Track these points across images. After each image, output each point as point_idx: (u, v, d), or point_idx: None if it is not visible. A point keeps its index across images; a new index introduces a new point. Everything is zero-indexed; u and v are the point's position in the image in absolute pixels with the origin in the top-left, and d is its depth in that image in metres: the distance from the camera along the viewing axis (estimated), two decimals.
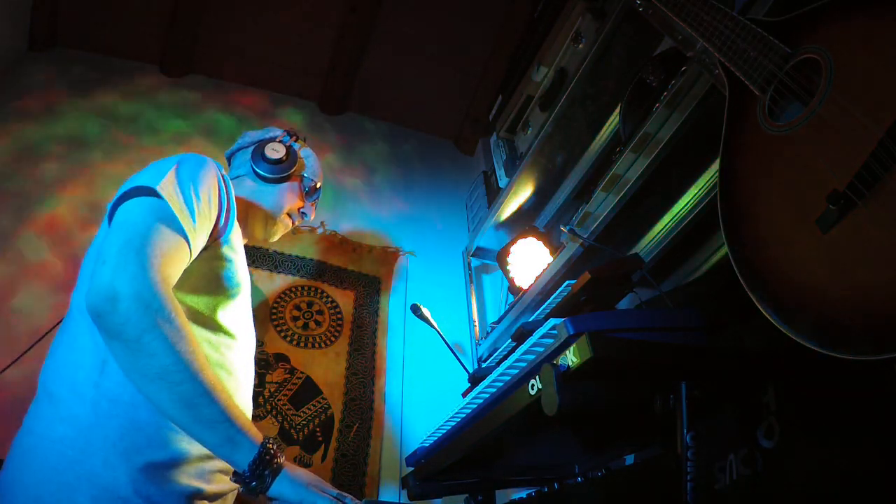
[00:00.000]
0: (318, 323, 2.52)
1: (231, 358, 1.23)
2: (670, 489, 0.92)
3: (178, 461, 1.07)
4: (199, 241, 1.15)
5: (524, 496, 1.31)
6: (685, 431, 0.89)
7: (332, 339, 2.51)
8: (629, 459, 1.45)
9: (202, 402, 0.99)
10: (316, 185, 1.59)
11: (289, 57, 3.14)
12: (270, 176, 1.49)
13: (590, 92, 2.02)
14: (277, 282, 2.56)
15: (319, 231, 2.77)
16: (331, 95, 3.28)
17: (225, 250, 1.23)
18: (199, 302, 1.18)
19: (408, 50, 3.14)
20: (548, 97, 2.21)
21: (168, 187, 1.11)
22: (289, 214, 1.54)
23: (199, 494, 1.10)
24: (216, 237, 1.22)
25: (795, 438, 0.89)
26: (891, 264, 0.74)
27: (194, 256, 1.15)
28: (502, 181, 2.56)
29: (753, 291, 0.90)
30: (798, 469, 0.87)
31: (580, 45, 2.06)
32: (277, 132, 1.59)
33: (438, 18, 3.01)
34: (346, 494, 1.09)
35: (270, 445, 1.04)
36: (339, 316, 2.58)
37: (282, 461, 1.04)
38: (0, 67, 2.65)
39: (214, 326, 1.20)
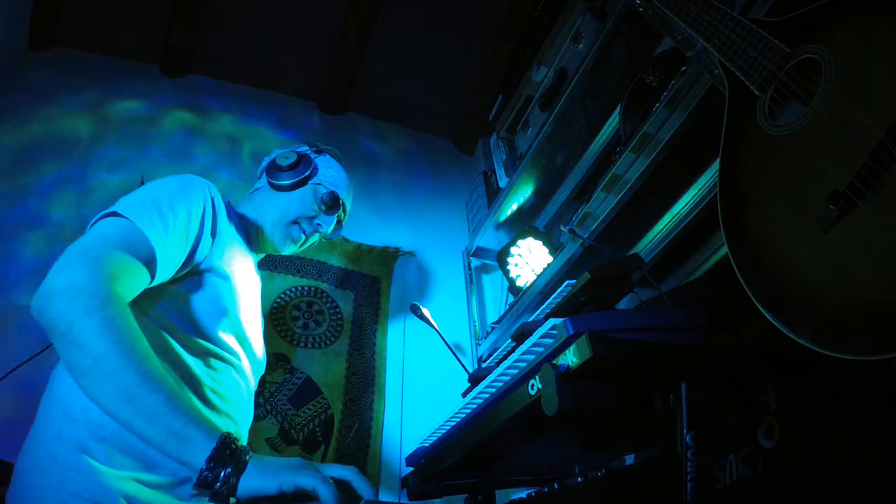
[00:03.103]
0: (318, 323, 2.52)
1: (224, 381, 1.22)
2: (670, 489, 0.92)
3: (165, 482, 1.07)
4: (171, 258, 1.14)
5: (524, 496, 1.31)
6: (685, 431, 0.89)
7: (332, 339, 2.51)
8: (629, 459, 1.45)
9: (140, 394, 0.92)
10: (333, 194, 1.53)
11: (289, 57, 3.14)
12: (279, 183, 1.48)
13: (590, 92, 2.02)
14: (277, 282, 2.56)
15: None
16: (331, 95, 3.28)
17: (210, 272, 1.22)
18: (187, 327, 1.17)
19: (408, 50, 3.14)
20: (548, 97, 2.21)
21: (137, 207, 1.12)
22: (298, 224, 1.49)
23: None
24: (198, 259, 1.20)
25: (795, 438, 0.89)
26: (891, 264, 0.74)
27: (164, 274, 1.14)
28: (502, 181, 2.56)
29: (753, 291, 0.89)
30: (798, 469, 0.87)
31: (580, 45, 2.06)
32: (303, 147, 1.59)
33: (438, 18, 3.00)
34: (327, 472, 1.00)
35: (230, 439, 0.93)
36: (339, 316, 2.58)
37: (247, 458, 0.94)
38: (0, 67, 2.65)
39: (204, 351, 1.19)
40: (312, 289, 2.61)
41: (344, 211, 1.59)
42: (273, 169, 1.50)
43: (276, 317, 2.47)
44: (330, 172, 1.56)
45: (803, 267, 0.85)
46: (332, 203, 1.53)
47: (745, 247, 0.95)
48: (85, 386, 0.96)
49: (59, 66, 2.86)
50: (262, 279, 2.53)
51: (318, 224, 1.52)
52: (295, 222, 1.49)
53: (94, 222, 1.16)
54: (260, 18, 2.98)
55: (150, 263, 1.09)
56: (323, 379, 2.38)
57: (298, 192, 1.50)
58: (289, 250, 1.52)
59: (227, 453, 0.92)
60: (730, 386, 1.00)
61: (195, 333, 1.18)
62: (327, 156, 1.61)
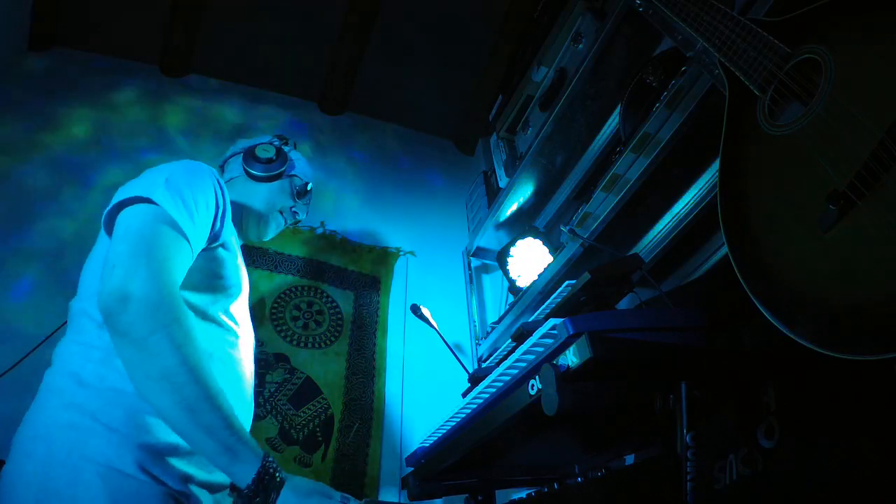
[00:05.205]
0: (318, 323, 2.52)
1: (232, 353, 1.25)
2: (670, 489, 0.92)
3: (181, 447, 1.08)
4: (199, 242, 1.18)
5: (524, 496, 1.31)
6: (685, 431, 0.89)
7: (332, 339, 2.51)
8: (629, 459, 1.45)
9: (203, 408, 1.00)
10: (306, 185, 1.64)
11: (289, 57, 3.14)
12: (261, 174, 1.55)
13: (590, 92, 2.02)
14: (277, 282, 2.56)
15: (319, 231, 2.77)
16: (331, 95, 3.29)
17: (222, 251, 1.26)
18: (199, 299, 1.20)
19: (408, 50, 3.14)
20: (548, 97, 2.21)
21: (165, 194, 1.14)
22: (281, 213, 1.58)
23: (202, 481, 1.11)
24: (213, 239, 1.24)
25: (795, 438, 0.89)
26: (890, 264, 0.74)
27: (194, 258, 1.18)
28: (502, 181, 2.56)
29: (753, 291, 0.89)
30: (798, 469, 0.87)
31: (580, 45, 2.06)
32: (267, 138, 1.66)
33: (438, 18, 3.01)
34: (349, 496, 1.10)
35: (271, 460, 1.04)
36: (339, 316, 2.58)
37: (283, 476, 1.04)
38: (0, 67, 2.65)
39: (215, 322, 1.22)
40: (312, 289, 2.61)
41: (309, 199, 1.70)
42: (252, 160, 1.57)
43: (276, 317, 2.47)
44: (302, 164, 1.66)
45: (803, 267, 0.85)
46: (307, 193, 1.65)
47: (745, 247, 0.95)
48: (147, 389, 1.01)
49: (58, 65, 2.86)
50: (262, 279, 2.55)
51: (295, 212, 1.62)
52: (279, 212, 1.58)
53: (124, 203, 1.15)
54: (260, 18, 2.98)
55: (191, 252, 1.15)
56: (323, 379, 2.38)
57: (277, 183, 1.58)
58: (270, 237, 1.61)
59: (270, 472, 1.02)
60: (730, 386, 1.00)
61: (207, 307, 1.21)
62: (294, 149, 1.69)
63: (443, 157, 3.46)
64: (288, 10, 2.95)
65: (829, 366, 0.78)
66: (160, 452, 1.05)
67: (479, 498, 1.53)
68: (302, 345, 2.44)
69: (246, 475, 1.01)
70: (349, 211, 2.95)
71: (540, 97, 2.29)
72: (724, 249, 0.99)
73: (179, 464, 1.08)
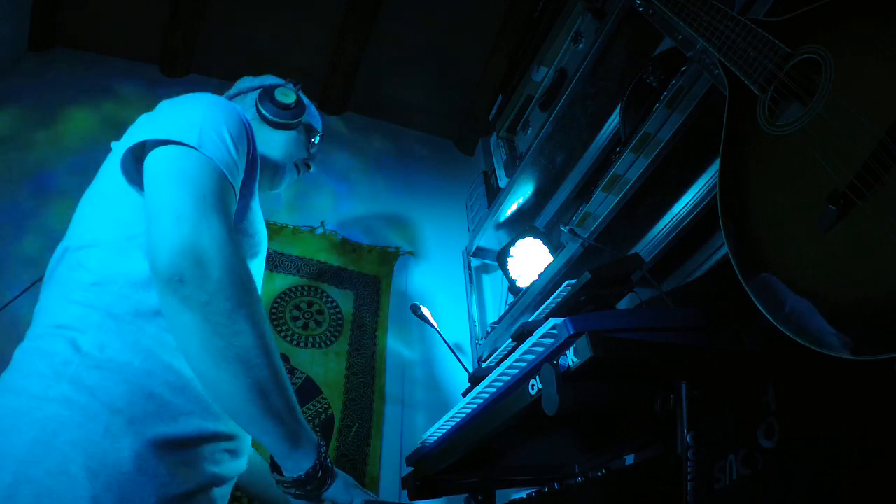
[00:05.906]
0: (318, 323, 2.52)
1: None
2: (670, 489, 0.92)
3: (188, 438, 0.94)
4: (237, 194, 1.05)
5: (524, 496, 1.31)
6: (685, 431, 0.89)
7: (332, 339, 2.51)
8: (629, 459, 1.45)
9: (274, 390, 0.91)
10: (322, 137, 1.51)
11: (289, 57, 3.14)
12: (281, 121, 1.38)
13: (590, 92, 2.02)
14: (277, 282, 2.56)
15: (319, 231, 2.77)
16: (330, 95, 3.28)
17: (251, 201, 1.14)
18: None
19: (408, 50, 3.14)
20: (548, 97, 2.21)
21: (208, 137, 0.99)
22: (296, 165, 1.45)
23: (210, 476, 0.98)
24: (244, 187, 1.11)
25: (795, 438, 0.89)
26: (890, 264, 0.74)
27: None
28: (502, 181, 2.57)
29: (753, 291, 0.89)
30: (798, 469, 0.87)
31: (580, 45, 2.06)
32: (279, 80, 1.51)
33: (438, 18, 3.01)
34: (376, 496, 1.11)
35: (325, 448, 1.00)
36: (339, 316, 2.58)
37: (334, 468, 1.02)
38: (0, 67, 2.65)
39: None
40: (312, 289, 2.61)
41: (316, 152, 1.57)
42: (270, 103, 1.38)
43: (276, 317, 2.46)
44: (315, 113, 1.52)
45: (803, 266, 0.86)
46: (316, 146, 1.50)
47: (746, 246, 0.95)
48: (215, 371, 0.88)
49: (58, 65, 2.86)
50: (263, 280, 2.54)
51: (309, 166, 1.49)
52: (295, 164, 1.45)
53: (160, 142, 0.98)
54: (260, 18, 2.98)
55: (234, 208, 1.02)
56: (323, 379, 2.38)
57: (294, 133, 1.42)
58: (283, 189, 1.49)
59: (326, 463, 0.99)
60: (730, 386, 1.00)
61: None
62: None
63: (443, 157, 3.46)
64: (288, 10, 2.95)
65: (829, 366, 0.78)
66: (164, 444, 0.90)
67: (479, 498, 1.53)
68: (302, 345, 2.44)
69: (304, 462, 0.95)
70: (349, 211, 2.95)
71: (540, 97, 2.29)
72: (724, 249, 0.99)
73: (186, 455, 0.94)
